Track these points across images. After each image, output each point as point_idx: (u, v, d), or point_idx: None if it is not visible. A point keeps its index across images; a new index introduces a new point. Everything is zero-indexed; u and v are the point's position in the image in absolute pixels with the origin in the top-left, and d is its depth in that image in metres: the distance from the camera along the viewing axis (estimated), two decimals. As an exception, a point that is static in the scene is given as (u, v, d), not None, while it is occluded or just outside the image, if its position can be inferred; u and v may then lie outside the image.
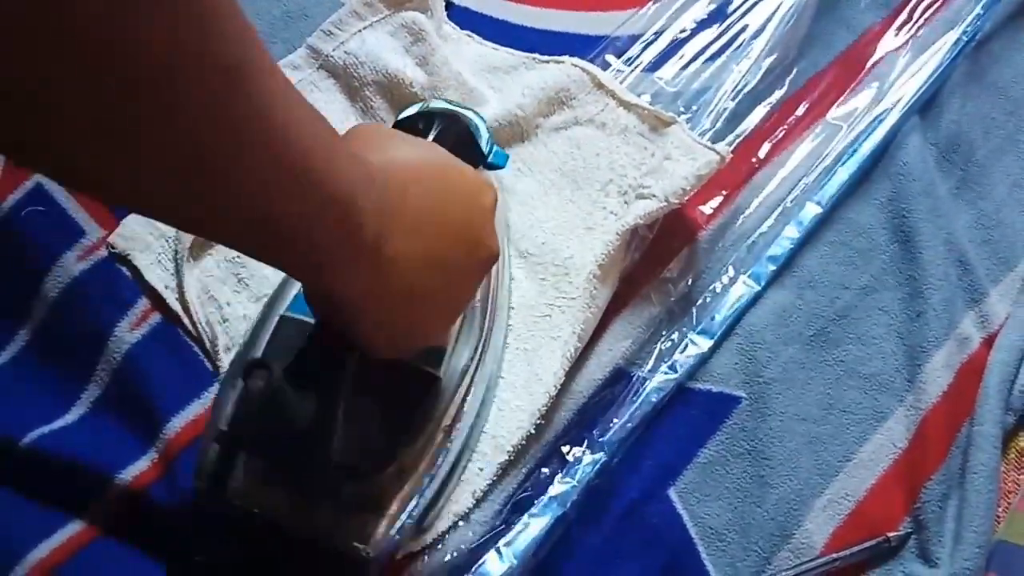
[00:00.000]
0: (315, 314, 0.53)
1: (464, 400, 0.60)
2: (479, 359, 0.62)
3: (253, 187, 0.39)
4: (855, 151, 0.75)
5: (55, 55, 0.30)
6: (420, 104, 0.65)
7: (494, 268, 0.61)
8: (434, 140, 0.61)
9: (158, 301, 0.68)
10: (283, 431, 0.52)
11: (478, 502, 0.62)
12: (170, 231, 0.69)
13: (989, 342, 0.68)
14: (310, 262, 0.45)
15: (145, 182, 0.36)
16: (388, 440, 0.57)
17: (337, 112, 0.76)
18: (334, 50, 0.77)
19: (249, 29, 0.36)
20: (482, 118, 0.65)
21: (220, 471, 0.55)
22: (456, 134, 0.63)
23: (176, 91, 0.33)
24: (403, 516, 0.56)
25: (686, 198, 0.68)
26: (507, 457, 0.63)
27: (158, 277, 0.68)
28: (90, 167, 0.35)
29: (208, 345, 0.66)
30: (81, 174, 0.36)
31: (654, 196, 0.68)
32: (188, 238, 0.68)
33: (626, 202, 0.69)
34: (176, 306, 0.67)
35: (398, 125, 0.64)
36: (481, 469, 0.63)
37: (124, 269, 0.69)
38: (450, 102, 0.66)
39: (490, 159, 0.65)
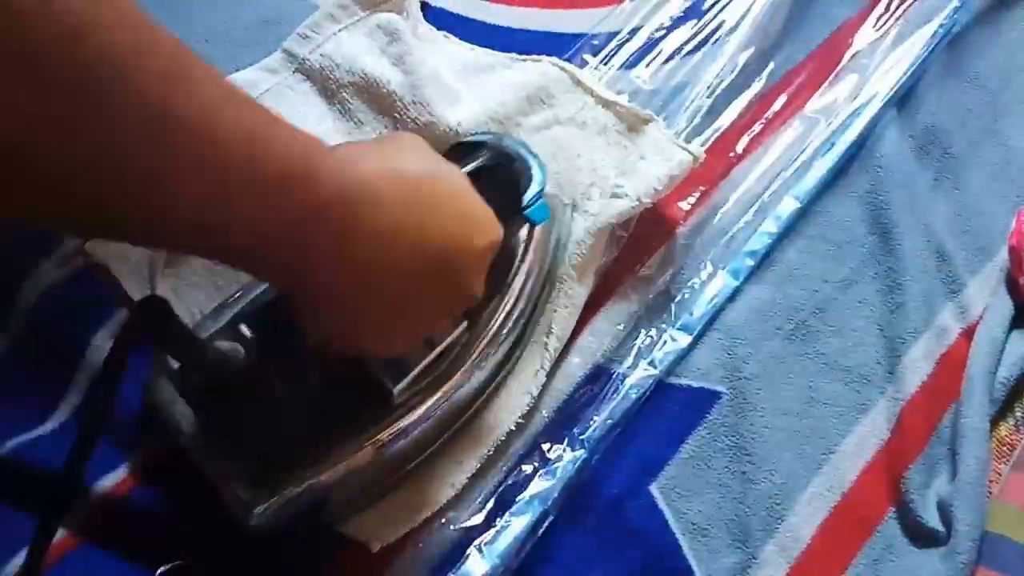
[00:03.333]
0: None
1: (413, 427, 0.59)
2: (447, 396, 0.60)
3: (199, 190, 0.39)
4: (833, 144, 0.75)
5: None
6: (492, 135, 0.65)
7: (498, 319, 0.60)
8: (472, 170, 0.59)
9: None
10: (203, 376, 0.52)
11: (457, 496, 0.62)
12: (147, 238, 0.69)
13: (968, 333, 0.68)
14: (260, 250, 0.44)
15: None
16: (314, 427, 0.56)
17: (314, 115, 0.76)
18: (310, 53, 0.77)
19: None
20: (543, 170, 0.64)
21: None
22: (501, 173, 0.62)
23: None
24: (293, 502, 0.55)
25: (659, 198, 0.68)
26: (487, 452, 0.63)
27: (135, 286, 0.68)
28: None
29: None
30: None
31: (627, 195, 0.68)
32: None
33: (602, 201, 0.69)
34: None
35: (456, 145, 0.63)
36: (460, 463, 0.62)
37: (101, 278, 0.69)
38: (524, 145, 0.65)
39: (526, 211, 0.63)
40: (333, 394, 0.57)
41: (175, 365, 0.55)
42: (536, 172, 0.64)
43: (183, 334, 0.49)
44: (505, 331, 0.63)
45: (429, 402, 0.59)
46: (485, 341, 0.61)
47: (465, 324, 0.60)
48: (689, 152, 0.69)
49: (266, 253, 0.43)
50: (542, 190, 0.64)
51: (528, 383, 0.64)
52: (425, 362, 0.58)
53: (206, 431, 0.56)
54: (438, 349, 0.59)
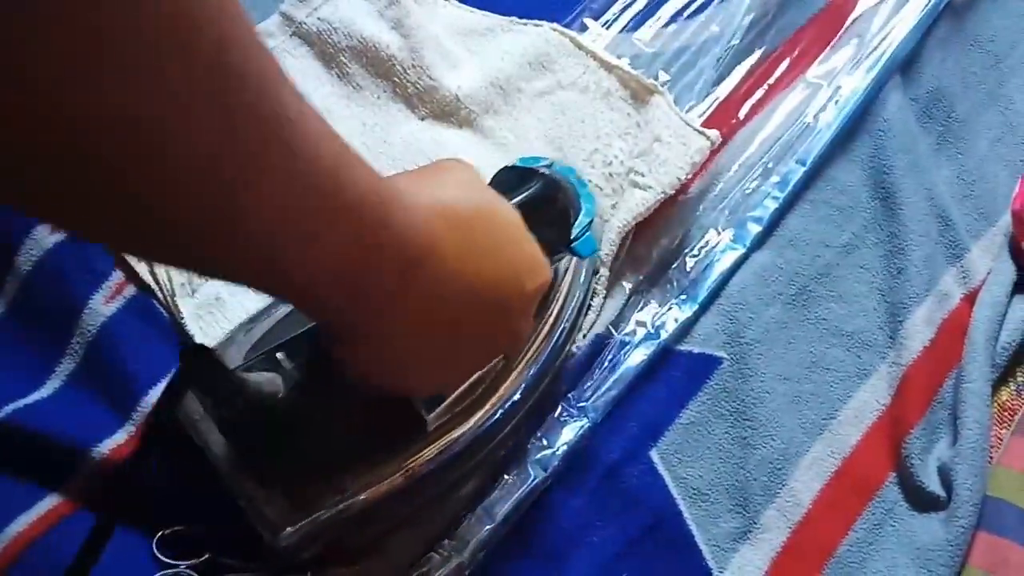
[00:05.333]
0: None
1: (441, 454, 0.57)
2: (478, 426, 0.59)
3: (274, 220, 0.37)
4: (836, 109, 0.74)
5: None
6: (544, 161, 0.64)
7: (533, 351, 0.60)
8: (522, 199, 0.58)
9: (132, 273, 0.67)
10: (237, 406, 0.51)
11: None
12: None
13: (970, 298, 0.68)
14: (323, 293, 0.42)
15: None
16: (345, 451, 0.55)
17: (312, 79, 0.75)
18: (307, 16, 0.76)
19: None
20: (592, 200, 0.63)
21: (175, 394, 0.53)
22: (551, 205, 0.61)
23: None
24: (324, 525, 0.55)
25: (679, 186, 0.68)
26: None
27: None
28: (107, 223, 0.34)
29: (176, 318, 0.65)
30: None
31: (650, 187, 0.67)
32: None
33: (610, 174, 0.68)
34: (148, 279, 0.66)
35: (505, 170, 0.62)
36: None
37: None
38: (573, 172, 0.64)
39: (575, 245, 0.62)
40: (366, 421, 0.56)
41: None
42: (585, 202, 0.63)
43: (226, 381, 0.48)
44: (539, 356, 0.61)
45: (463, 429, 0.58)
46: (519, 369, 0.60)
47: (500, 356, 0.59)
48: (706, 136, 0.69)
49: (325, 289, 0.41)
50: (591, 221, 0.63)
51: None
52: (460, 391, 0.57)
53: (235, 453, 0.55)
54: (473, 377, 0.58)
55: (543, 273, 0.53)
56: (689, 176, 0.68)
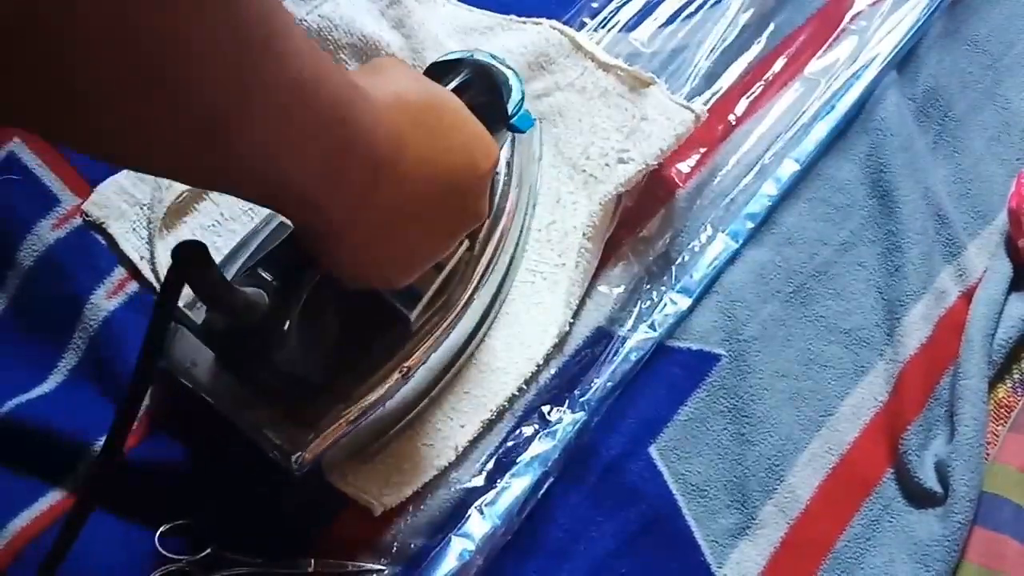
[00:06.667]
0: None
1: (431, 349, 0.60)
2: (458, 314, 0.61)
3: (268, 132, 0.39)
4: (833, 107, 0.74)
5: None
6: (462, 51, 0.64)
7: (498, 233, 0.61)
8: (456, 87, 0.59)
9: (135, 269, 0.67)
10: (229, 325, 0.52)
11: (459, 458, 0.62)
12: (145, 198, 0.68)
13: (967, 295, 0.68)
14: (310, 194, 0.44)
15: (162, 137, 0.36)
16: (340, 363, 0.57)
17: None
18: (308, 14, 0.76)
19: None
20: (519, 79, 0.64)
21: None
22: (483, 87, 0.61)
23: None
24: (334, 439, 0.57)
25: (663, 159, 0.68)
26: (489, 416, 0.63)
27: (132, 246, 0.68)
28: (111, 128, 0.35)
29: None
30: (98, 136, 0.36)
31: (632, 160, 0.68)
32: (161, 208, 0.67)
33: (607, 164, 0.69)
34: (150, 276, 0.66)
35: (431, 68, 0.62)
36: (463, 426, 0.63)
37: (99, 237, 0.68)
38: (494, 57, 0.65)
39: (513, 120, 0.63)
40: (353, 329, 0.57)
41: (194, 319, 0.55)
42: (514, 81, 0.64)
43: (219, 281, 0.48)
44: (503, 247, 0.64)
45: (447, 322, 0.60)
46: (487, 258, 0.62)
47: (466, 244, 0.60)
48: (691, 110, 0.69)
49: (307, 189, 0.43)
50: (523, 98, 0.64)
51: (534, 350, 0.65)
52: (435, 285, 0.59)
53: (233, 383, 0.56)
54: (445, 271, 0.60)
55: (493, 151, 0.54)
56: (672, 147, 0.68)
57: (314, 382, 0.56)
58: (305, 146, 0.41)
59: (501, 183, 0.65)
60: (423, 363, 0.60)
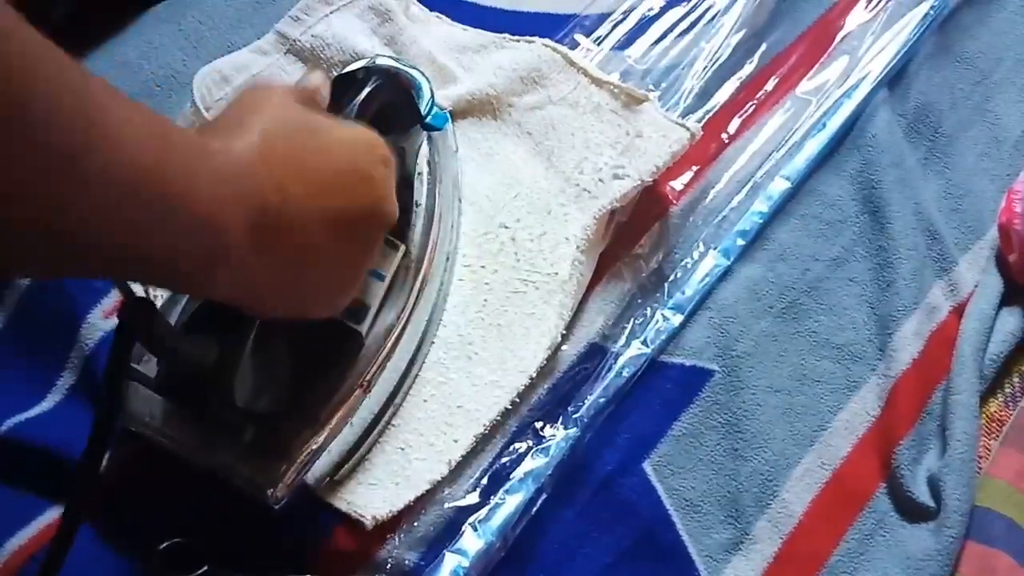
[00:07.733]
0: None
1: (387, 358, 0.60)
2: (406, 318, 0.62)
3: (114, 223, 0.38)
4: (824, 125, 0.75)
5: None
6: (365, 60, 0.64)
7: (432, 232, 0.62)
8: (368, 96, 0.59)
9: (128, 290, 0.67)
10: (183, 372, 0.52)
11: (452, 473, 0.62)
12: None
13: (958, 310, 0.69)
14: (187, 270, 0.43)
15: None
16: (299, 389, 0.57)
17: (307, 96, 0.76)
18: (301, 35, 0.77)
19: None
20: (426, 78, 0.64)
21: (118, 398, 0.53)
22: (394, 91, 0.62)
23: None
24: (307, 465, 0.57)
25: (658, 175, 0.68)
26: (482, 430, 0.63)
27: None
28: None
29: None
30: None
31: (628, 176, 0.68)
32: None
33: (601, 180, 0.69)
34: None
35: (338, 80, 0.62)
36: (456, 440, 0.63)
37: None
38: (397, 59, 0.65)
39: (428, 119, 0.64)
40: (307, 352, 0.58)
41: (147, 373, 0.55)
42: (423, 81, 0.64)
43: (168, 333, 0.49)
44: (438, 245, 0.65)
45: (398, 329, 0.61)
46: (427, 259, 0.63)
47: (402, 249, 0.61)
48: (686, 128, 0.69)
49: (187, 268, 0.43)
50: (433, 96, 0.64)
51: (526, 363, 0.65)
52: (381, 295, 0.60)
53: (196, 428, 0.56)
54: (387, 280, 0.60)
55: (377, 145, 0.53)
56: (667, 164, 0.68)
57: (277, 412, 0.56)
58: (163, 228, 0.40)
59: (425, 182, 0.65)
60: (381, 373, 0.60)
